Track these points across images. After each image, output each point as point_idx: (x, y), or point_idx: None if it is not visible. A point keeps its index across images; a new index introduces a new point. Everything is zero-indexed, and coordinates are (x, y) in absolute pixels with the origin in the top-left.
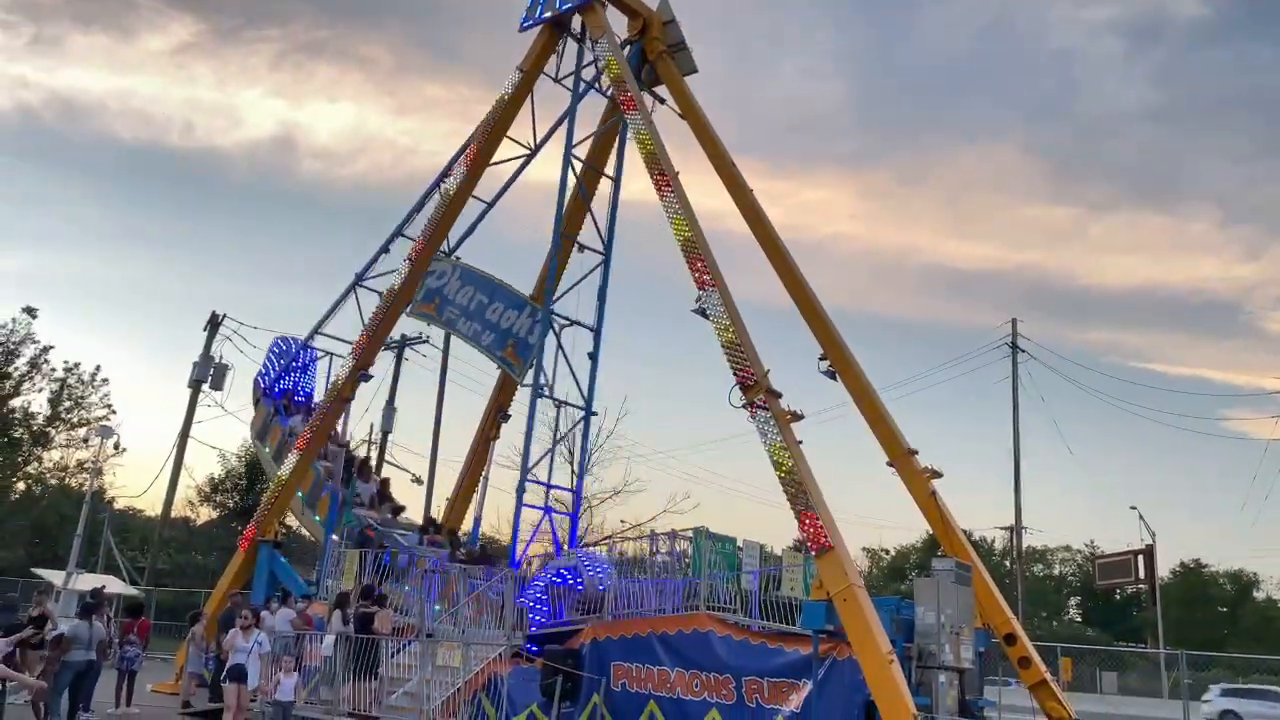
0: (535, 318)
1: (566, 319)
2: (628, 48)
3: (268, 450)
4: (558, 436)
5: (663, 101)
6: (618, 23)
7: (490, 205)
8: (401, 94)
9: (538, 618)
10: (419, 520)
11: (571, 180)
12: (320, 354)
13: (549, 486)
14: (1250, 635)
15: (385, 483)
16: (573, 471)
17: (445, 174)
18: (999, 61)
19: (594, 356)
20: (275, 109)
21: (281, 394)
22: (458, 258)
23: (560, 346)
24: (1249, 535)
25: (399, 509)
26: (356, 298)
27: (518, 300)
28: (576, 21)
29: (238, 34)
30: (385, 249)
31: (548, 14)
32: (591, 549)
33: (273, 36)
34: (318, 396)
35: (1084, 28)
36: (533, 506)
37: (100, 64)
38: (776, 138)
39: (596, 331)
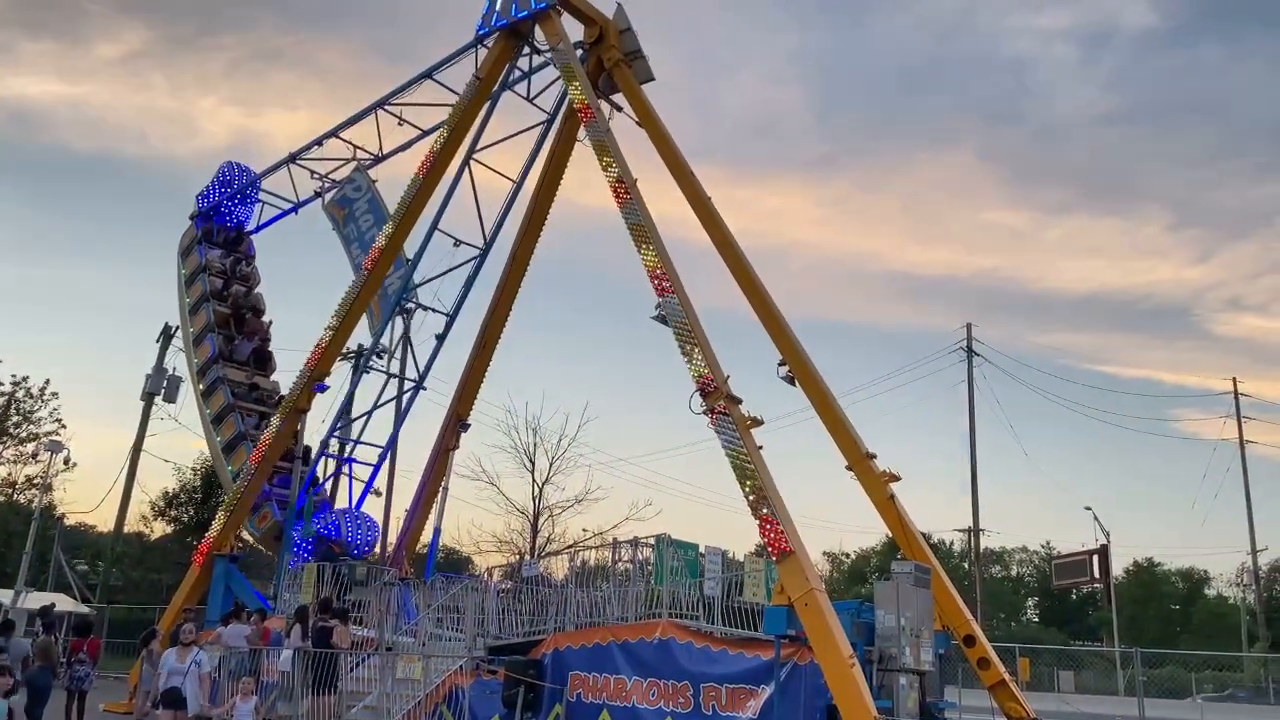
0: (403, 281)
1: (421, 305)
2: (584, 56)
3: (188, 301)
4: (379, 402)
5: (620, 109)
6: (574, 31)
7: (483, 254)
8: (360, 102)
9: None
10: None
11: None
12: (261, 200)
13: (357, 443)
14: (1201, 632)
15: (265, 343)
16: (534, 482)
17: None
18: (956, 67)
19: (441, 338)
20: (231, 117)
21: (211, 219)
22: (374, 180)
23: (406, 322)
24: (1199, 534)
25: (271, 369)
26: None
27: (400, 259)
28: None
29: (192, 41)
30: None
31: (504, 22)
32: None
33: (228, 44)
34: (248, 226)
35: (1038, 35)
36: (333, 456)
37: (50, 71)
38: (737, 144)
39: (451, 317)
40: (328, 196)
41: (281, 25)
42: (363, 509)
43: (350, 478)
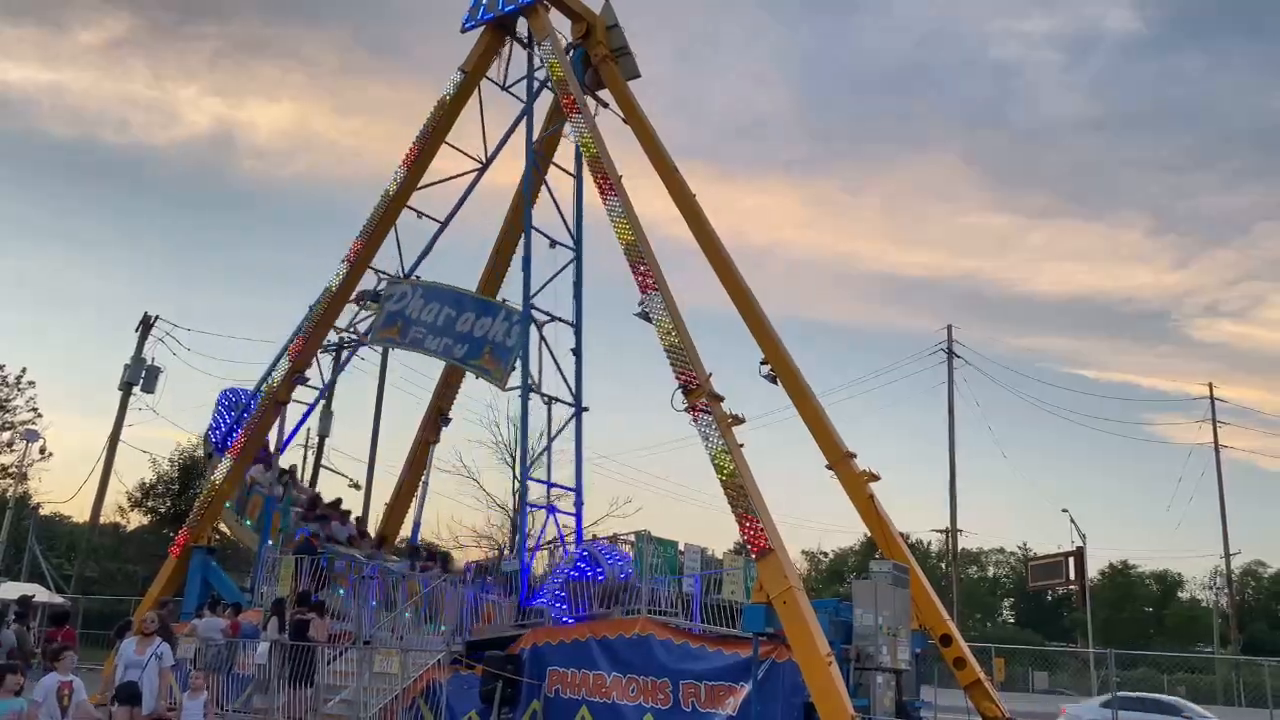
0: (511, 320)
1: (548, 314)
2: (571, 51)
3: (230, 506)
4: (552, 435)
5: (606, 105)
6: (561, 26)
7: (444, 224)
8: (345, 94)
9: (563, 609)
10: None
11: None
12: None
13: (549, 485)
14: (1174, 634)
15: (360, 521)
16: (515, 477)
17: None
18: (940, 71)
19: (577, 352)
20: (213, 107)
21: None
22: (417, 277)
23: (544, 341)
24: (1174, 537)
25: (380, 540)
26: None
27: (490, 306)
28: (521, 25)
29: (175, 30)
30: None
31: (490, 15)
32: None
33: (211, 34)
34: (274, 446)
35: (1022, 39)
36: (536, 506)
37: (31, 58)
38: (722, 142)
39: (577, 327)
40: (371, 335)
41: (266, 16)
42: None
43: (558, 524)
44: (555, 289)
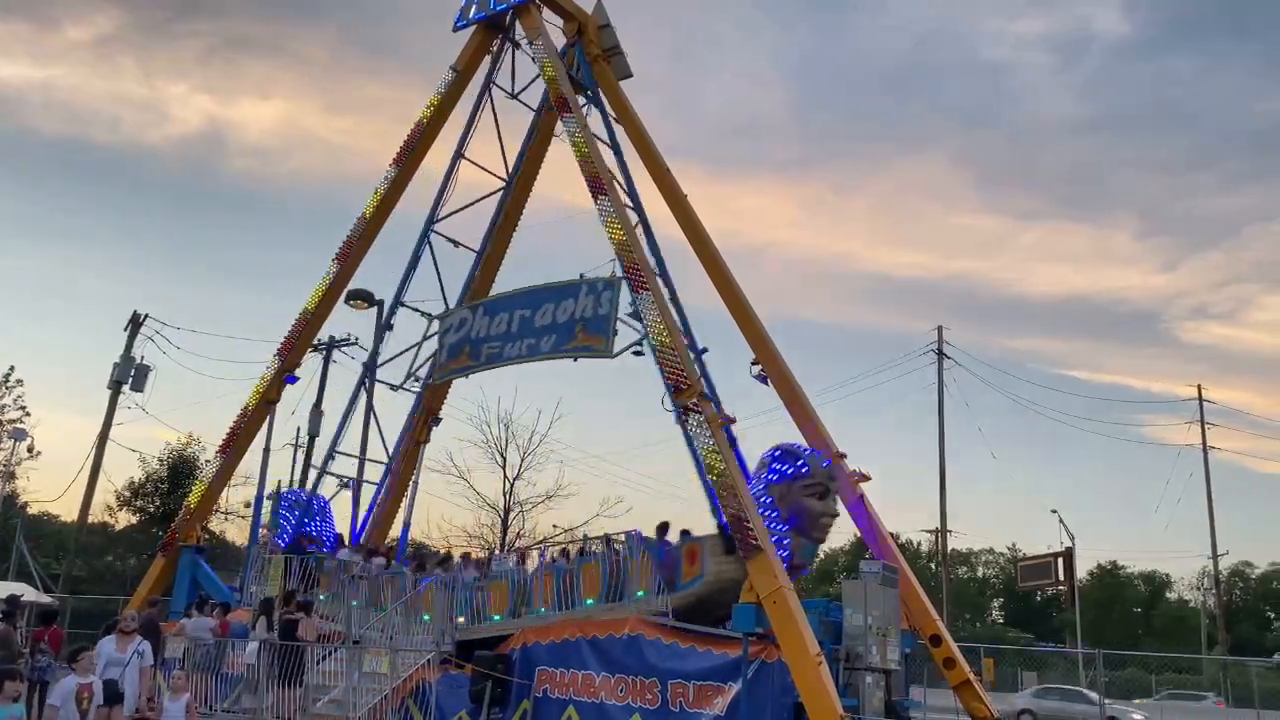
0: (598, 289)
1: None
2: (563, 51)
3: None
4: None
5: (598, 105)
6: (553, 26)
7: (481, 252)
8: (336, 92)
9: (775, 528)
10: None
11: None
12: (331, 497)
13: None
14: (1163, 635)
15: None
16: (505, 477)
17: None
18: (933, 71)
19: (675, 302)
20: (204, 105)
21: (300, 537)
22: (468, 306)
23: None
24: (1162, 538)
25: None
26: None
27: (568, 288)
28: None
29: (166, 27)
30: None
31: (482, 15)
32: None
33: (203, 31)
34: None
35: (1015, 41)
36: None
37: (20, 54)
38: (715, 142)
39: (665, 278)
40: (434, 376)
41: (257, 12)
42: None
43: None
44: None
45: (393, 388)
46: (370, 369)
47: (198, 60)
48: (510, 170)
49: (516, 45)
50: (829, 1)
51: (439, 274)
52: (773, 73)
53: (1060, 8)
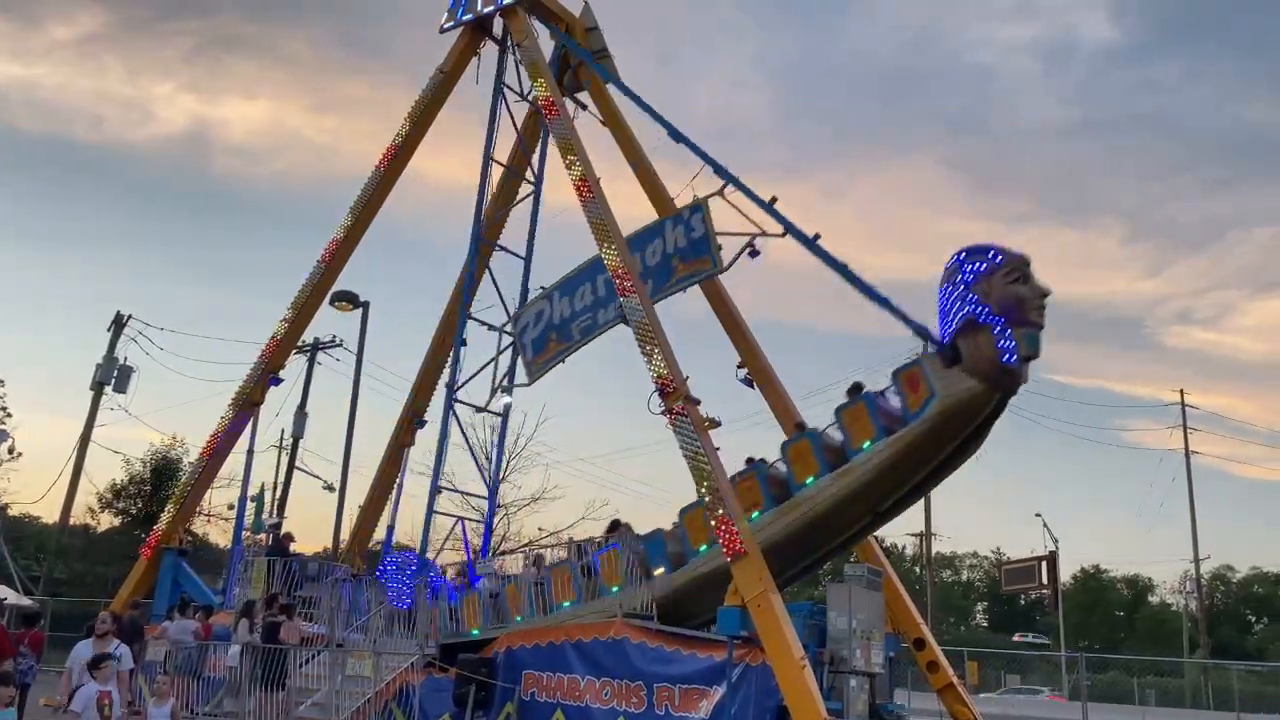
0: (682, 218)
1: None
2: (560, 53)
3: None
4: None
5: (584, 108)
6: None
7: (528, 258)
8: (323, 92)
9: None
10: None
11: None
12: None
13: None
14: (1145, 638)
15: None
16: (486, 481)
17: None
18: (920, 76)
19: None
20: (189, 104)
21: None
22: (541, 288)
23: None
24: (1145, 542)
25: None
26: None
27: (649, 232)
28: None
29: (151, 26)
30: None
31: (468, 16)
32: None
33: (188, 30)
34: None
35: (1001, 46)
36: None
37: (2, 52)
38: (703, 146)
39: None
40: (531, 377)
41: (244, 12)
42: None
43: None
44: None
45: (477, 409)
46: (450, 390)
47: (183, 59)
48: (537, 172)
49: (504, 47)
50: (815, 5)
51: (499, 289)
52: (759, 76)
53: (1046, 14)
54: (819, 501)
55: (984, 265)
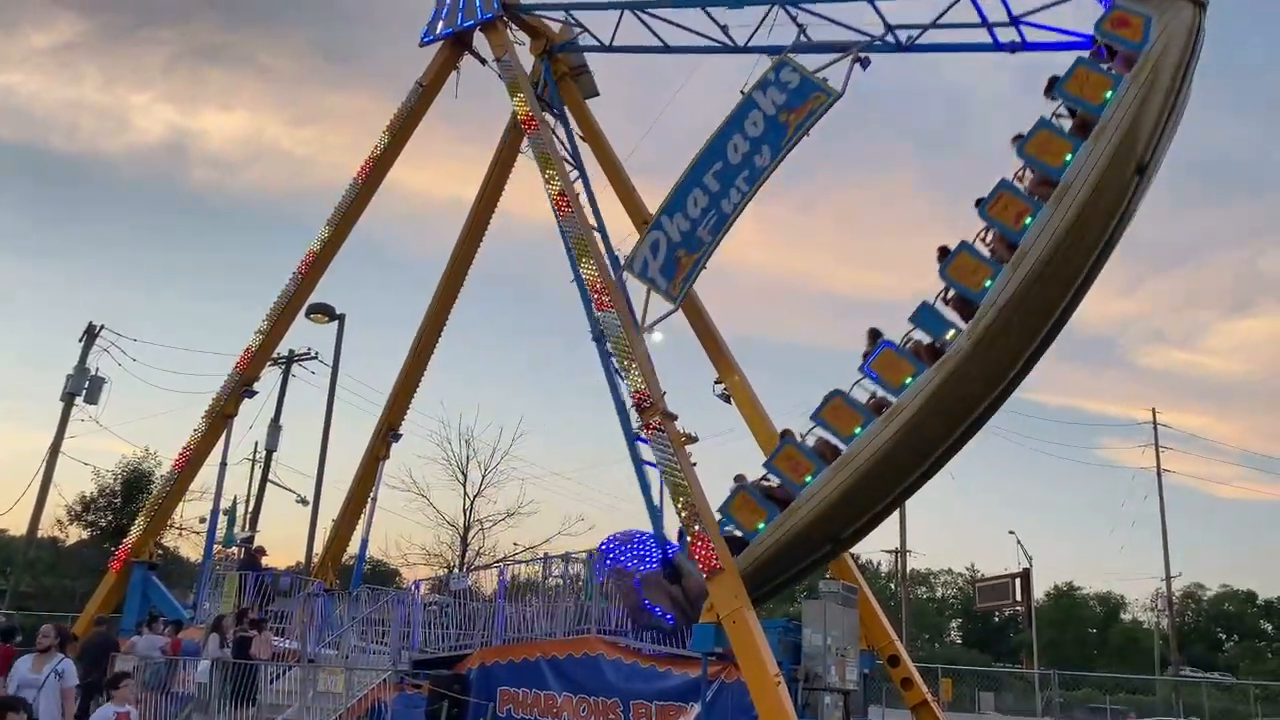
0: (776, 79)
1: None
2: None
3: None
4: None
5: (565, 123)
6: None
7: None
8: (301, 104)
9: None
10: None
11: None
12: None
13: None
14: (1117, 655)
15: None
16: (466, 494)
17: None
18: (894, 93)
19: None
20: (166, 114)
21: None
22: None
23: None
24: (1117, 559)
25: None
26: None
27: (741, 111)
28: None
29: (129, 34)
30: None
31: (449, 30)
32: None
33: (167, 39)
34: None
35: (975, 63)
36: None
37: None
38: (678, 162)
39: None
40: (678, 300)
41: (221, 22)
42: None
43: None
44: None
45: (649, 328)
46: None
47: (162, 69)
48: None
49: (483, 61)
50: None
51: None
52: (735, 91)
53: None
54: (874, 448)
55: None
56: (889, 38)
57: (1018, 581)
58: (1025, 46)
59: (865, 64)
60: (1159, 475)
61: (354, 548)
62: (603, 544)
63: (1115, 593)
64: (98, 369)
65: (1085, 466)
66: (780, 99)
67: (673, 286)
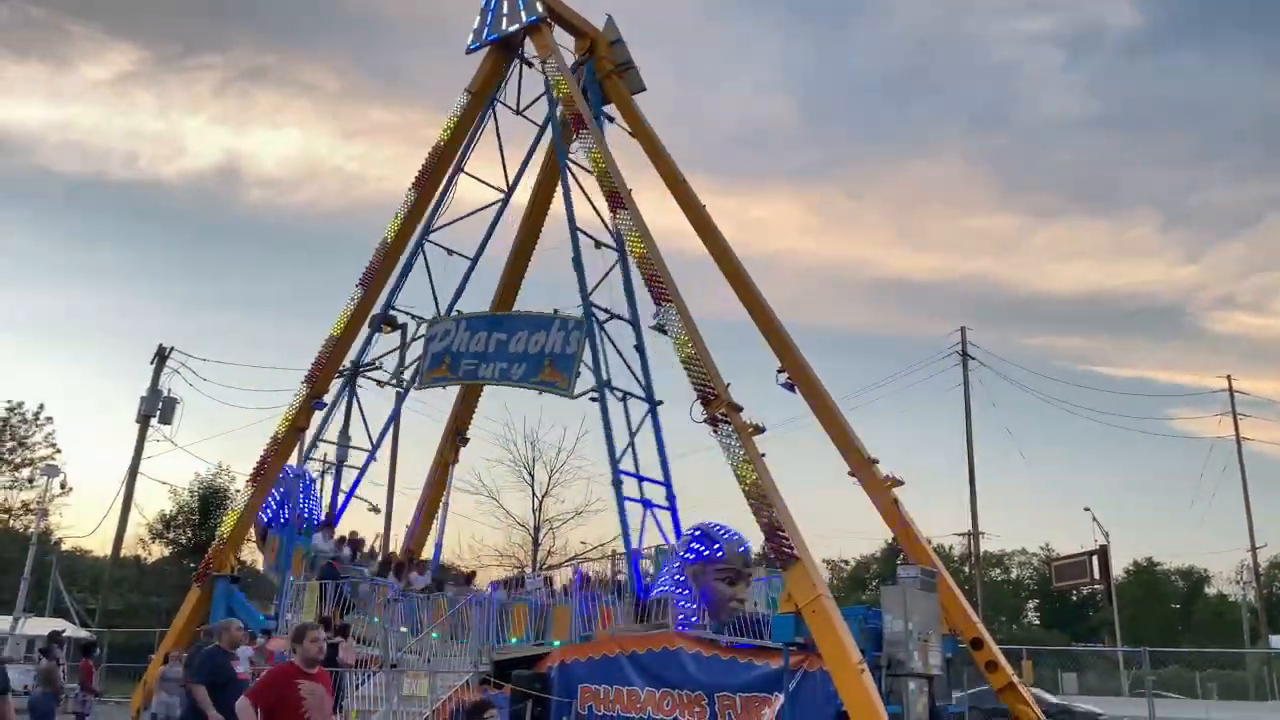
0: (568, 327)
1: (607, 311)
2: (576, 68)
3: (297, 578)
4: (633, 433)
5: (612, 120)
6: (565, 45)
7: (475, 260)
8: (348, 119)
9: (685, 605)
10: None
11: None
12: (315, 476)
13: (641, 479)
14: (1203, 631)
15: (384, 547)
16: (534, 495)
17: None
18: (941, 73)
19: (640, 348)
20: (219, 137)
21: (286, 523)
22: (458, 312)
23: (609, 338)
24: (1198, 532)
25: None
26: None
27: (541, 320)
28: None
29: (179, 61)
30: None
31: (495, 36)
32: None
33: (215, 64)
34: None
35: (1022, 39)
36: (631, 499)
37: (38, 95)
38: (726, 153)
39: (635, 324)
40: (416, 384)
41: (266, 44)
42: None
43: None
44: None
45: (380, 384)
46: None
47: (212, 93)
48: (510, 182)
49: (529, 64)
50: (832, 8)
51: (432, 283)
52: (779, 81)
53: (1067, 4)
54: None
55: (706, 552)
56: None
57: (1095, 559)
58: None
59: (621, 399)
60: (1238, 443)
61: (428, 553)
62: (691, 533)
63: (1198, 567)
64: (170, 390)
65: (1158, 438)
66: (557, 346)
67: (424, 376)
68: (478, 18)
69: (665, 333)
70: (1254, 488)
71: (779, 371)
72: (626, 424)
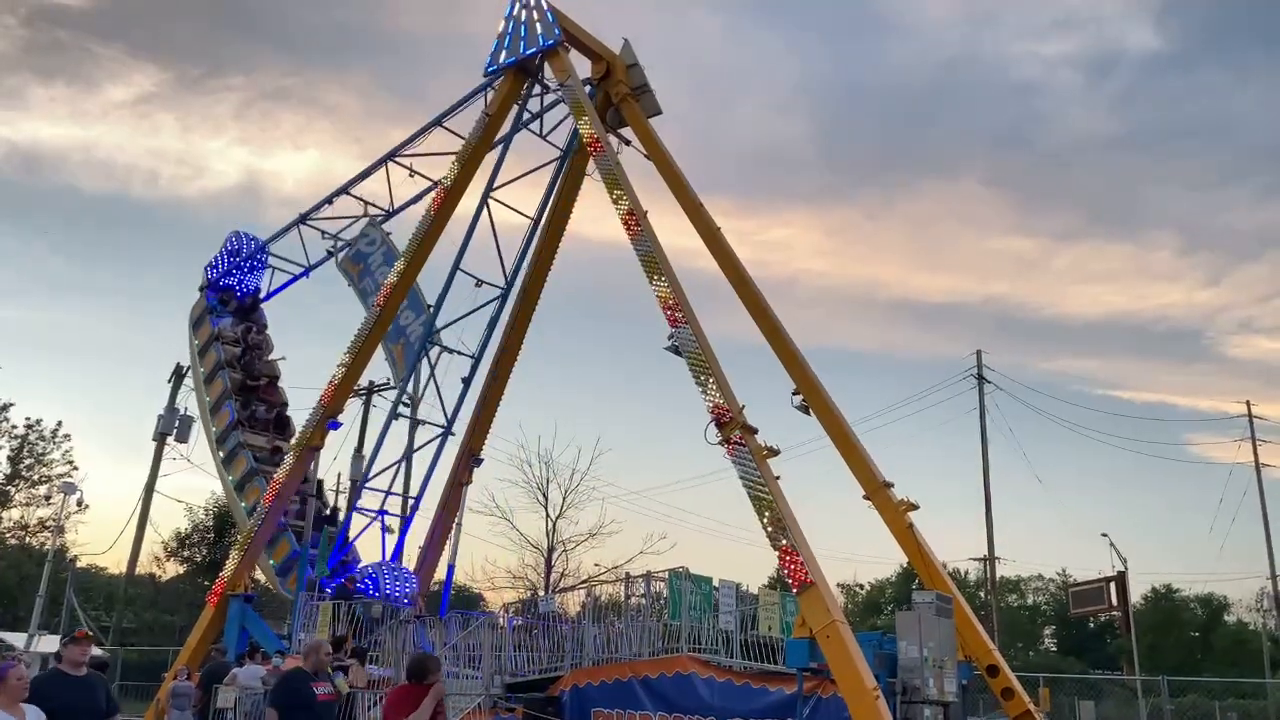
0: (428, 328)
1: (447, 348)
2: (591, 90)
3: (202, 370)
4: (410, 450)
5: (628, 143)
6: (582, 67)
7: (505, 293)
8: (368, 140)
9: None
10: None
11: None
12: (271, 265)
13: (387, 493)
14: (1224, 658)
15: (284, 408)
16: (548, 516)
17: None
18: (961, 95)
19: (467, 381)
20: (240, 157)
21: (222, 289)
22: (388, 232)
23: (433, 367)
24: (1217, 559)
25: (290, 433)
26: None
27: (420, 304)
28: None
29: (201, 83)
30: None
31: (512, 60)
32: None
33: (237, 85)
34: (261, 294)
35: (1043, 61)
36: (364, 510)
37: (62, 116)
38: (743, 176)
39: (476, 360)
40: (341, 255)
41: (287, 65)
42: (398, 559)
43: (384, 530)
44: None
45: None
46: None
47: (234, 114)
48: (538, 209)
49: (546, 88)
50: (850, 29)
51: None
52: (796, 103)
53: (1086, 27)
54: None
55: None
56: None
57: (1112, 585)
58: None
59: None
60: (1258, 469)
61: (441, 573)
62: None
63: (1218, 594)
64: (186, 408)
65: (1178, 464)
66: (414, 333)
67: (344, 259)
68: (495, 41)
69: (680, 354)
70: (1274, 514)
71: (794, 393)
72: (409, 445)
